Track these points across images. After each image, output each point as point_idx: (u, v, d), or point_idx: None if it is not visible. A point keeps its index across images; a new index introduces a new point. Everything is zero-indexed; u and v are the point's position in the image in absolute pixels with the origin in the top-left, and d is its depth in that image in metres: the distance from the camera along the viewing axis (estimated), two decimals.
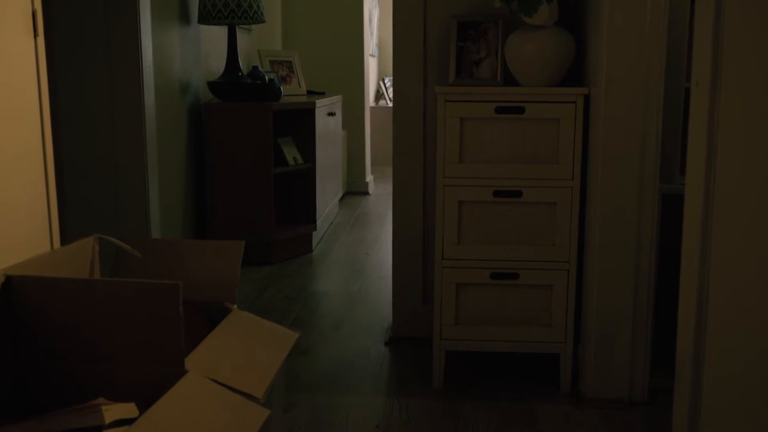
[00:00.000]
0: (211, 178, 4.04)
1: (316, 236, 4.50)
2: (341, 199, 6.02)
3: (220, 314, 1.89)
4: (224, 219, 4.06)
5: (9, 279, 1.53)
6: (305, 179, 4.41)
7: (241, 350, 1.72)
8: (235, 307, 1.95)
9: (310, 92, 5.17)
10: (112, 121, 2.97)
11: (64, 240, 2.02)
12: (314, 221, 4.40)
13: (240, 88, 4.04)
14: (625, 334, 2.33)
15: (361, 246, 4.59)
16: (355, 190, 6.39)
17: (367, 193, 6.42)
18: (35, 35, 1.68)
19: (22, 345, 1.54)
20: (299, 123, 4.37)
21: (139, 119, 2.95)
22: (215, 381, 1.53)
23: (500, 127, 2.39)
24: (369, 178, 6.51)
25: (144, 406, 1.46)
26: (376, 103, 8.49)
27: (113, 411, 1.41)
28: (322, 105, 4.55)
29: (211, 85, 4.03)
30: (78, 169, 3.09)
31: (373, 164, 7.32)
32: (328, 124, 4.81)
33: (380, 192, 6.48)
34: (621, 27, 2.19)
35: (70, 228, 3.05)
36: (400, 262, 2.94)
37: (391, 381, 2.60)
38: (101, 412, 1.39)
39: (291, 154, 4.26)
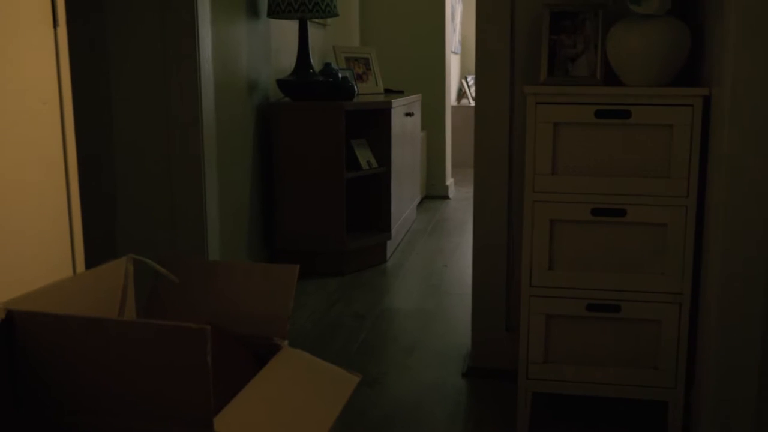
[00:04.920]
0: (278, 183, 3.79)
1: (390, 245, 4.20)
2: (419, 204, 5.71)
3: (268, 351, 1.61)
4: (292, 227, 3.81)
5: (10, 315, 1.28)
6: (380, 184, 4.11)
7: (287, 404, 1.43)
8: (286, 344, 1.66)
9: (387, 91, 4.89)
10: (166, 123, 2.74)
11: (114, 256, 1.79)
12: (389, 229, 4.11)
13: (311, 86, 3.77)
14: (749, 382, 1.94)
15: (439, 256, 4.27)
16: (434, 194, 6.08)
17: (447, 197, 6.09)
18: (55, 26, 1.44)
19: (25, 394, 1.29)
20: (374, 124, 4.08)
21: (196, 120, 2.71)
22: None
23: (601, 134, 2.04)
24: (449, 181, 6.19)
25: None
26: (458, 102, 8.16)
27: None
28: (399, 105, 4.25)
29: (281, 83, 3.78)
30: (129, 178, 2.88)
31: (453, 166, 7.00)
32: (405, 124, 4.50)
33: (461, 196, 6.14)
34: (755, 14, 1.81)
35: (120, 243, 2.84)
36: (481, 284, 2.61)
37: (468, 423, 2.28)
38: None
39: (364, 157, 3.97)
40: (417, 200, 5.29)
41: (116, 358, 1.24)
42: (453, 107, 7.37)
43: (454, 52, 7.73)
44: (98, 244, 2.91)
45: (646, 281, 2.06)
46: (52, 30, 1.44)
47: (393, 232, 4.17)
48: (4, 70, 1.38)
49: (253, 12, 3.61)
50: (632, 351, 2.10)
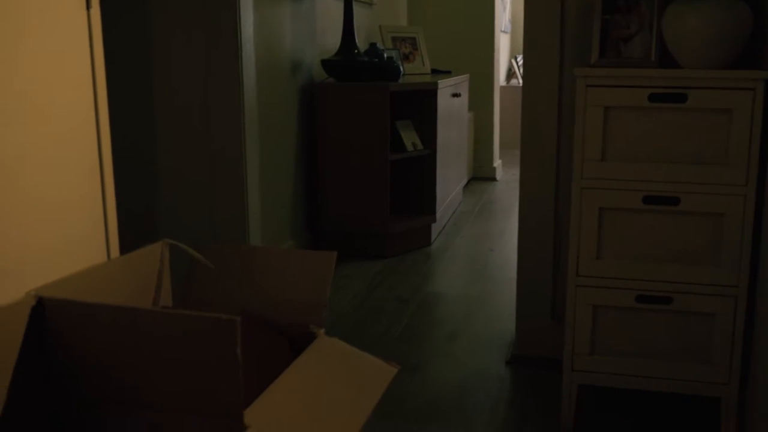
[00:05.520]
0: (322, 165, 3.75)
1: (435, 228, 4.14)
2: (466, 186, 5.63)
3: (304, 339, 1.57)
4: (335, 210, 3.77)
5: (41, 302, 1.26)
6: (425, 166, 4.05)
7: (321, 396, 1.39)
8: (323, 332, 1.61)
9: (434, 71, 4.81)
10: (206, 105, 2.71)
11: (153, 240, 1.76)
12: (433, 212, 4.04)
13: (356, 66, 3.71)
14: None
15: (485, 240, 4.19)
16: (481, 176, 5.99)
17: (494, 179, 6.00)
18: (88, 7, 1.40)
19: (56, 382, 1.27)
20: (420, 105, 4.01)
21: (236, 100, 2.67)
22: None
23: (655, 119, 1.95)
24: (497, 162, 6.09)
25: None
26: (507, 83, 8.02)
27: None
28: (445, 85, 4.17)
29: (325, 64, 3.73)
30: (169, 162, 2.87)
31: (501, 147, 6.89)
32: (452, 105, 4.42)
33: (509, 178, 6.04)
34: None
35: (162, 227, 2.83)
36: (526, 271, 2.54)
37: (510, 413, 2.22)
38: None
39: (410, 139, 3.91)
40: (463, 182, 5.21)
41: (145, 348, 1.21)
42: (502, 87, 7.24)
43: (504, 31, 7.58)
44: (140, 229, 2.90)
45: (699, 273, 1.97)
46: (85, 12, 1.40)
47: (438, 214, 4.11)
48: (37, 51, 1.35)
49: None
50: (684, 345, 2.02)
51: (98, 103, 1.49)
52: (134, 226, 2.92)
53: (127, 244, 1.81)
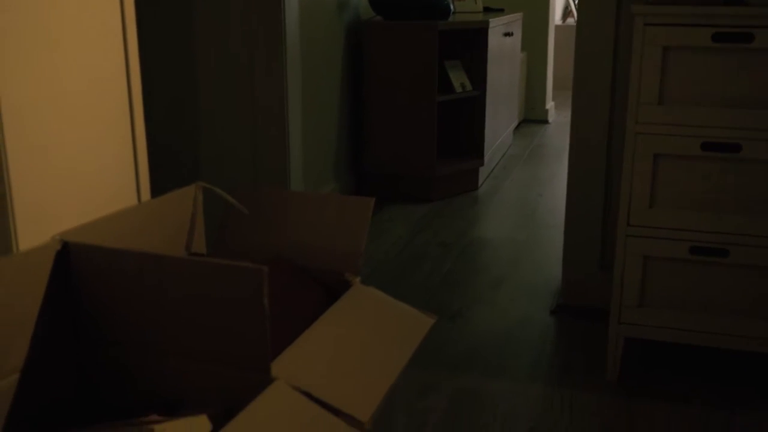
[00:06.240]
0: (368, 106, 3.67)
1: (482, 171, 4.04)
2: (516, 129, 5.49)
3: (339, 287, 1.52)
4: (381, 151, 3.70)
5: (66, 246, 1.23)
6: (474, 108, 3.93)
7: (353, 347, 1.34)
8: (358, 280, 1.56)
9: (486, 9, 4.64)
10: (247, 42, 2.64)
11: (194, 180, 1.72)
12: (481, 155, 3.94)
13: (404, 4, 3.59)
14: None
15: (534, 185, 4.09)
16: (533, 118, 5.83)
17: (546, 121, 5.84)
18: None
19: (81, 327, 1.25)
20: (470, 45, 3.87)
21: (278, 40, 2.60)
22: (309, 395, 1.16)
23: (717, 61, 1.82)
24: (549, 104, 5.92)
25: (218, 418, 1.13)
26: (563, 21, 7.77)
27: None
28: (497, 24, 4.02)
29: (373, 1, 3.62)
30: (209, 105, 2.81)
31: (555, 89, 6.69)
32: (503, 45, 4.27)
33: (562, 120, 5.87)
34: None
35: (204, 172, 2.80)
36: (574, 218, 2.45)
37: (553, 364, 2.16)
38: None
39: (458, 79, 3.79)
40: (514, 124, 5.08)
41: (170, 295, 1.17)
42: (557, 27, 7.01)
43: None
44: (181, 175, 2.88)
45: (759, 225, 1.86)
46: None
47: (486, 158, 4.01)
48: None
49: None
50: (739, 299, 1.92)
51: (128, 43, 1.43)
52: (176, 172, 2.90)
53: (167, 191, 1.77)
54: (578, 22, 2.31)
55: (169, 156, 2.93)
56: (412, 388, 1.99)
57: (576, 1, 7.68)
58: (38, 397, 1.18)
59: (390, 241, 3.16)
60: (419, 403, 1.93)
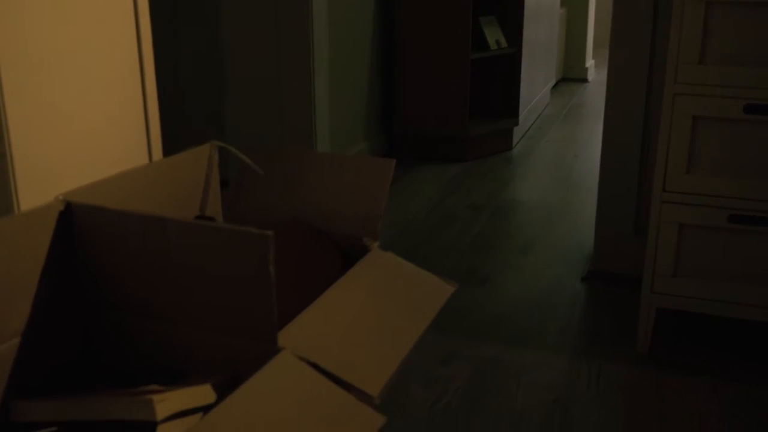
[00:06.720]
0: (399, 64, 3.58)
1: (517, 132, 3.94)
2: (554, 87, 5.35)
3: (356, 252, 1.46)
4: (412, 110, 3.61)
5: (70, 207, 1.18)
6: (509, 66, 3.81)
7: (366, 317, 1.28)
8: (377, 245, 1.50)
9: None
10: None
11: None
12: (516, 115, 3.83)
13: None
14: None
15: (570, 145, 3.98)
16: (572, 77, 5.68)
17: (585, 80, 5.69)
18: None
19: (84, 289, 1.21)
20: (505, 0, 3.75)
21: None
22: (317, 367, 1.11)
23: (764, 16, 1.71)
24: (589, 63, 5.76)
25: (224, 387, 1.09)
26: None
27: (168, 403, 1.04)
28: None
29: None
30: (233, 62, 2.75)
31: (595, 47, 6.51)
32: (541, 0, 4.13)
33: (602, 79, 5.70)
34: None
35: (230, 134, 2.74)
36: (608, 182, 2.36)
37: (582, 334, 2.09)
38: (152, 406, 1.02)
39: (493, 36, 3.67)
40: (551, 83, 4.94)
41: (174, 260, 1.12)
42: None
43: None
44: (205, 130, 2.83)
45: None
46: None
47: (521, 117, 3.90)
48: None
49: None
50: None
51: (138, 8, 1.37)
52: (201, 133, 2.86)
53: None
54: None
55: (194, 117, 2.89)
56: (434, 355, 1.94)
57: None
58: (40, 361, 1.15)
59: (420, 203, 3.09)
60: (440, 371, 1.88)
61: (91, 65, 1.35)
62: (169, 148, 1.62)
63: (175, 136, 2.05)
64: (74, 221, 1.18)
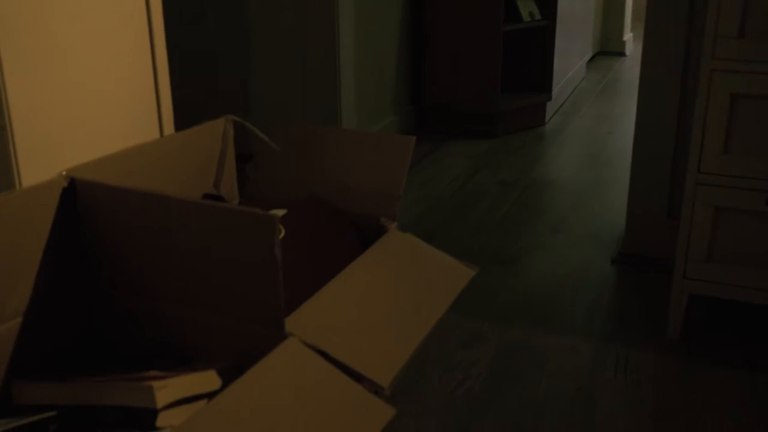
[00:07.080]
0: (429, 36, 3.49)
1: (550, 107, 3.84)
2: (590, 61, 5.22)
3: (374, 233, 1.41)
4: (442, 84, 3.54)
5: (73, 183, 1.15)
6: (542, 39, 3.71)
7: (380, 302, 1.23)
8: (395, 226, 1.45)
9: None
10: None
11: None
12: (549, 89, 3.74)
13: None
14: None
15: (605, 122, 3.87)
16: (609, 50, 5.54)
17: (623, 53, 5.55)
18: None
19: (88, 268, 1.17)
20: None
21: None
22: (326, 355, 1.06)
23: None
24: (627, 36, 5.61)
25: (230, 373, 1.05)
26: None
27: (169, 390, 1.00)
28: None
29: None
30: (258, 34, 2.69)
31: (634, 19, 6.34)
32: None
33: (640, 53, 5.56)
34: None
35: (254, 109, 2.69)
36: (642, 162, 2.27)
37: (610, 318, 2.02)
38: (152, 393, 0.98)
39: (527, 8, 3.57)
40: (587, 57, 4.82)
41: (177, 240, 1.08)
42: None
43: None
44: (230, 110, 2.79)
45: None
46: None
47: (554, 92, 3.80)
48: None
49: None
50: None
51: None
52: (224, 106, 2.81)
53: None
54: None
55: (218, 93, 2.84)
56: (458, 338, 1.89)
57: None
58: (42, 342, 1.12)
59: (448, 179, 3.02)
60: (463, 355, 1.83)
61: (96, 30, 1.30)
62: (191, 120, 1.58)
63: (197, 112, 2.01)
64: (77, 198, 1.14)
